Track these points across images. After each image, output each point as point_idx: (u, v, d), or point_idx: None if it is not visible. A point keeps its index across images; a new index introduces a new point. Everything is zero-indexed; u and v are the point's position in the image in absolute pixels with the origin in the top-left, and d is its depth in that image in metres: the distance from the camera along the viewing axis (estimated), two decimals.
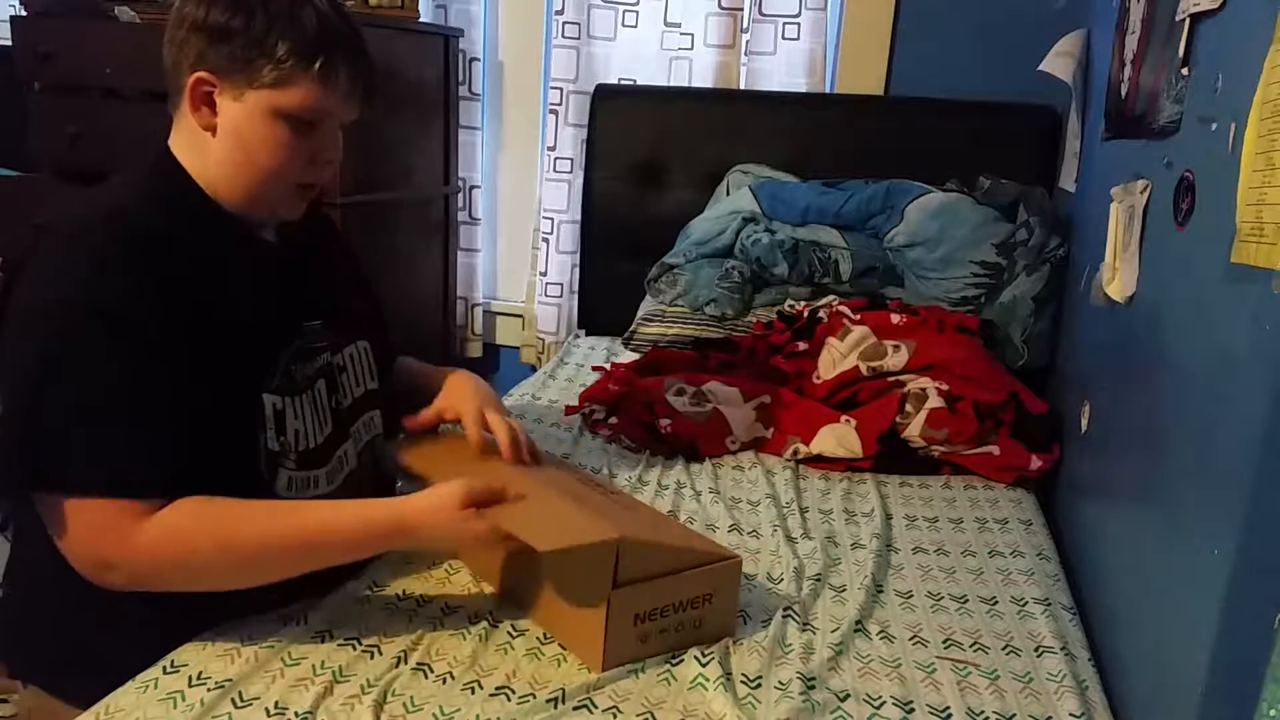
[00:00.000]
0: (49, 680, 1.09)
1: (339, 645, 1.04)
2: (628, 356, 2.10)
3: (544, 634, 1.08)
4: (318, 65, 1.01)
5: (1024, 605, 1.24)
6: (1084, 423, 1.55)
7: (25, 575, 1.13)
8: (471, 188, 2.61)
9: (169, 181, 1.05)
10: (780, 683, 1.03)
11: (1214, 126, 1.05)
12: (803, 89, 2.36)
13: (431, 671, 1.01)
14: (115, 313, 0.95)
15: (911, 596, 1.25)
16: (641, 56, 2.47)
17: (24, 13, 2.19)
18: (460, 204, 2.60)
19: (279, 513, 1.01)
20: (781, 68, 2.37)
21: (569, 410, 1.81)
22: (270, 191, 1.07)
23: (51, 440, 0.94)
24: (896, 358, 1.78)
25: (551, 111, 2.48)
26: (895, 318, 1.88)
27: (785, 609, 1.17)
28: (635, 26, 2.45)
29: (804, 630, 1.14)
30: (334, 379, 1.14)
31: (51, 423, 0.93)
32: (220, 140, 1.04)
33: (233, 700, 0.94)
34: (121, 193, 1.06)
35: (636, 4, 2.44)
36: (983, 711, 1.02)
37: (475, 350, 2.71)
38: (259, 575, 1.01)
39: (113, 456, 0.95)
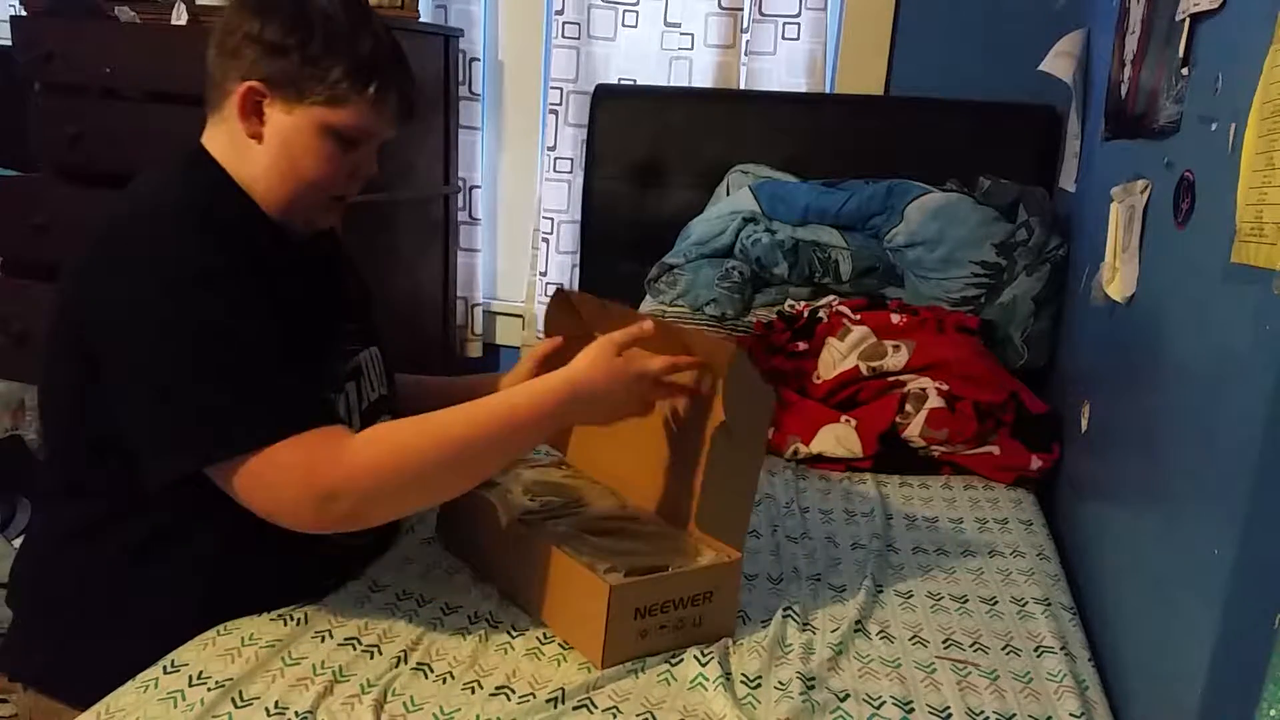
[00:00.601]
0: (49, 682, 1.09)
1: (339, 645, 1.04)
2: None
3: (544, 634, 1.08)
4: (372, 89, 1.04)
5: (1024, 605, 1.24)
6: (1084, 423, 1.55)
7: (28, 577, 1.13)
8: (471, 188, 2.61)
9: (211, 180, 1.07)
10: (780, 683, 1.03)
11: (1214, 126, 1.05)
12: (803, 89, 2.36)
13: (431, 671, 1.01)
14: (224, 277, 0.96)
15: (911, 596, 1.25)
16: (641, 56, 2.47)
17: (24, 13, 2.19)
18: (460, 204, 2.60)
19: (466, 410, 1.01)
20: (781, 68, 2.37)
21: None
22: (307, 201, 1.09)
23: (217, 407, 0.93)
24: (896, 358, 1.78)
25: (551, 111, 2.48)
26: (895, 318, 1.88)
27: (785, 609, 1.17)
28: (635, 26, 2.45)
29: (804, 630, 1.14)
30: (359, 381, 1.16)
31: (206, 391, 0.93)
32: (265, 148, 1.06)
33: (233, 700, 0.94)
34: (170, 188, 1.06)
35: (636, 4, 2.44)
36: (983, 711, 1.02)
37: (475, 350, 2.71)
38: (471, 468, 1.02)
39: (285, 395, 0.95)
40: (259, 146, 1.06)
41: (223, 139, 1.08)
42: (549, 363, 1.26)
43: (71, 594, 1.07)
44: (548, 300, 2.57)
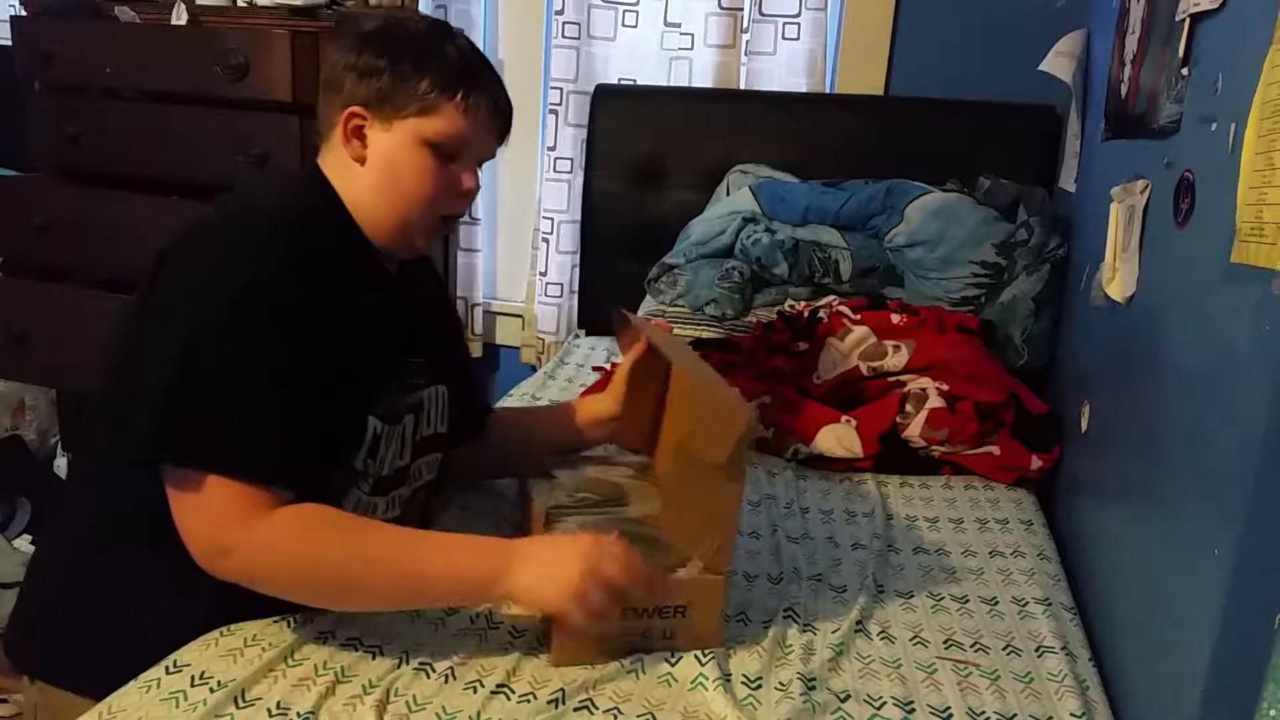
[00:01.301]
0: (59, 673, 1.09)
1: (341, 645, 1.04)
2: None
3: (542, 635, 1.08)
4: (459, 95, 1.07)
5: (1024, 605, 1.24)
6: (1084, 423, 1.55)
7: (51, 566, 1.14)
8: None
9: (322, 198, 1.10)
10: (781, 683, 1.03)
11: (1214, 126, 1.05)
12: (803, 89, 2.36)
13: (433, 671, 1.01)
14: (274, 301, 0.97)
15: (912, 597, 1.25)
16: (641, 56, 2.47)
17: (24, 13, 2.19)
18: None
19: (387, 542, 0.99)
20: (781, 68, 2.37)
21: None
22: (413, 218, 1.11)
23: (201, 417, 0.95)
24: (897, 358, 1.78)
25: (551, 111, 2.48)
26: (895, 318, 1.88)
27: (785, 609, 1.17)
28: (635, 26, 2.45)
29: (804, 630, 1.14)
30: (419, 416, 1.17)
31: (204, 400, 0.94)
32: (369, 168, 1.09)
33: (235, 700, 0.94)
34: (278, 197, 1.12)
35: (636, 4, 2.44)
36: (983, 711, 1.02)
37: (475, 350, 2.71)
38: (356, 601, 1.01)
39: (257, 441, 0.96)
40: (363, 169, 1.10)
41: (333, 167, 1.12)
42: (638, 372, 1.29)
43: (94, 586, 1.07)
44: (548, 300, 2.59)
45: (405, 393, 1.15)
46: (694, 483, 1.10)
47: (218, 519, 0.94)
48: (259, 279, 0.98)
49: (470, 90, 1.08)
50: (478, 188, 1.15)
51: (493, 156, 1.17)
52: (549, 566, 0.97)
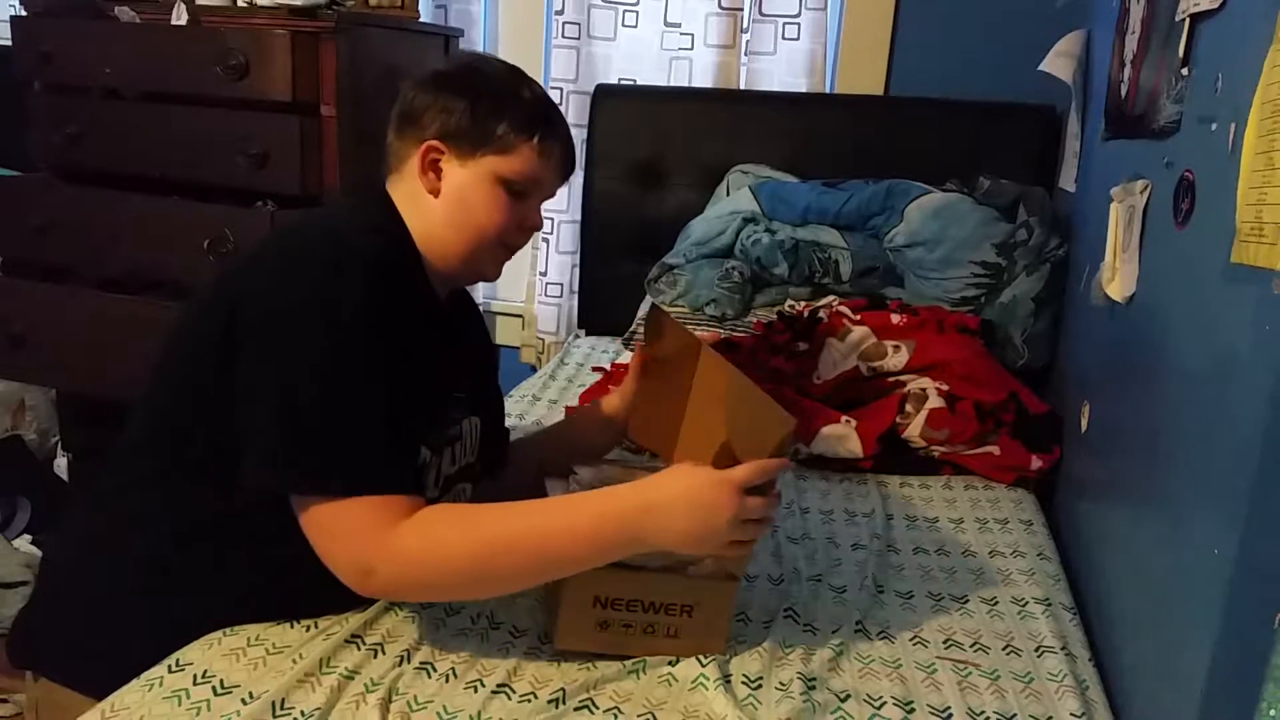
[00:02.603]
0: (64, 671, 1.09)
1: (344, 644, 1.04)
2: (628, 357, 2.10)
3: (545, 633, 1.09)
4: (537, 138, 1.11)
5: (1024, 605, 1.24)
6: (1084, 423, 1.55)
7: (53, 568, 1.15)
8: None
9: (393, 225, 1.12)
10: (781, 683, 1.03)
11: (1214, 126, 1.05)
12: (803, 89, 2.36)
13: (434, 670, 1.01)
14: (366, 319, 0.98)
15: (912, 597, 1.26)
16: (641, 56, 2.47)
17: (24, 13, 2.19)
18: None
19: (524, 516, 0.99)
20: (781, 68, 2.37)
21: (569, 411, 1.81)
22: (481, 250, 1.14)
23: (318, 442, 0.95)
24: (896, 358, 1.78)
25: None
26: (895, 318, 1.88)
27: (785, 609, 1.17)
28: (635, 26, 2.45)
29: (804, 631, 1.14)
30: (455, 448, 1.18)
31: (316, 424, 0.95)
32: (443, 202, 1.12)
33: (240, 699, 0.94)
34: (353, 221, 1.13)
35: (636, 4, 2.44)
36: (983, 711, 1.02)
37: None
38: (511, 583, 1.01)
39: (381, 453, 0.97)
40: (435, 201, 1.12)
41: (402, 196, 1.14)
42: (652, 371, 1.30)
43: (105, 585, 1.07)
44: (548, 300, 2.59)
45: (448, 425, 1.16)
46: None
47: (360, 540, 0.95)
48: (352, 300, 0.98)
49: (547, 134, 1.12)
50: (542, 224, 1.20)
51: (554, 195, 1.21)
52: (695, 524, 0.96)
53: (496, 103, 1.10)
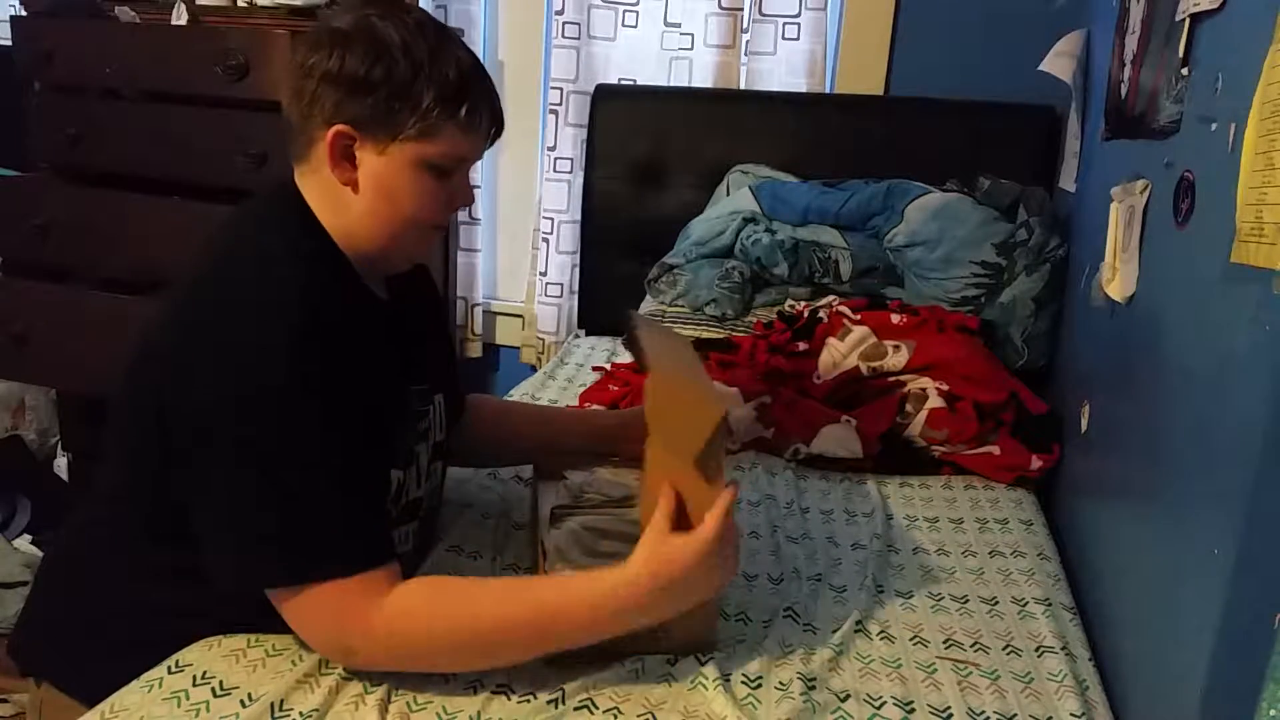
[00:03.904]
0: (66, 677, 1.08)
1: None
2: (628, 357, 2.10)
3: None
4: (463, 112, 0.99)
5: (1024, 605, 1.24)
6: (1084, 423, 1.55)
7: (53, 571, 1.14)
8: (472, 187, 2.61)
9: (311, 238, 1.02)
10: (781, 683, 1.03)
11: (1214, 126, 1.05)
12: (803, 89, 2.36)
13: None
14: (303, 392, 0.92)
15: (912, 597, 1.26)
16: (641, 56, 2.47)
17: (24, 13, 2.19)
18: None
19: (515, 593, 0.98)
20: (781, 68, 2.37)
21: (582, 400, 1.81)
22: (409, 237, 1.05)
23: (275, 542, 0.92)
24: (896, 358, 1.78)
25: (551, 111, 2.48)
26: (895, 318, 1.88)
27: (785, 609, 1.17)
28: (635, 26, 2.45)
29: (804, 630, 1.14)
30: (426, 439, 1.15)
31: (270, 526, 0.92)
32: (363, 196, 1.01)
33: (240, 700, 0.94)
34: (270, 248, 1.01)
35: (636, 4, 2.44)
36: (983, 711, 1.02)
37: (475, 350, 2.71)
38: (502, 659, 0.98)
39: (354, 530, 0.94)
40: (354, 194, 1.01)
41: (315, 190, 1.03)
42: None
43: (108, 595, 1.06)
44: (548, 300, 2.59)
45: (417, 421, 1.12)
46: (666, 479, 1.01)
47: (336, 623, 0.93)
48: (280, 378, 0.91)
49: (473, 105, 1.00)
50: (473, 198, 1.10)
51: (481, 158, 1.10)
52: (688, 598, 0.98)
53: (413, 75, 0.96)
